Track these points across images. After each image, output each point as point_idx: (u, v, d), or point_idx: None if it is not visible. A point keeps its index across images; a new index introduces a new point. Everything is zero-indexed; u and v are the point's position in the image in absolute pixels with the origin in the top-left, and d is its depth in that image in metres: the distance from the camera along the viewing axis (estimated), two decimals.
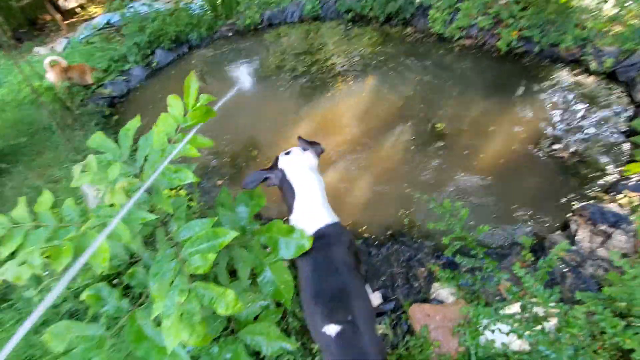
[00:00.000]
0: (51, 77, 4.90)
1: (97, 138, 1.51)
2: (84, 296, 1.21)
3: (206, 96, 1.50)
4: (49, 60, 4.87)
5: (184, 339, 1.03)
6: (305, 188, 1.61)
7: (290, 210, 1.63)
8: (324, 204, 1.60)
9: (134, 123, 1.52)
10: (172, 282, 1.14)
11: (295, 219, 1.58)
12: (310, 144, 1.79)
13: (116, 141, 1.55)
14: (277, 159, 1.75)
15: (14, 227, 1.04)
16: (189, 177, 1.25)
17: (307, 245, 1.35)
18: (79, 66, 5.32)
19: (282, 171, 1.67)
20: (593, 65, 3.77)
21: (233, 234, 1.16)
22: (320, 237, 1.46)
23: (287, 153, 1.74)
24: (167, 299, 1.10)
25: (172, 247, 1.23)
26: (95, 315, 1.74)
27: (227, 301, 1.10)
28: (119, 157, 1.46)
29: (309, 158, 1.73)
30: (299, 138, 1.83)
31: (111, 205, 1.11)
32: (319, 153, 1.80)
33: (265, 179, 1.69)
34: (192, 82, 1.42)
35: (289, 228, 1.42)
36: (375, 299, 2.13)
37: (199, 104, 1.47)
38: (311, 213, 1.55)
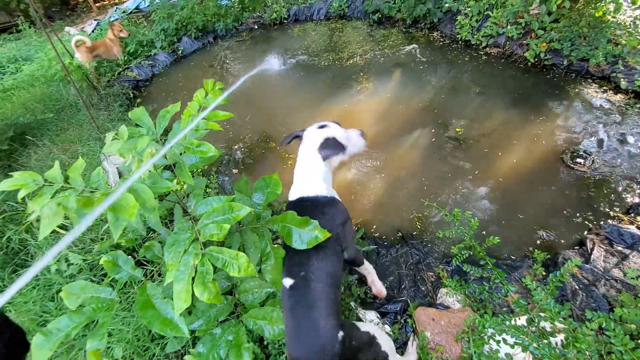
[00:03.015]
0: (80, 56, 5.05)
1: (138, 111, 1.61)
2: (102, 261, 1.27)
3: (219, 84, 1.68)
4: (75, 40, 5.03)
5: (198, 295, 1.08)
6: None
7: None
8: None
9: (175, 107, 1.63)
10: (186, 250, 1.18)
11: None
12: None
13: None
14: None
15: (45, 185, 1.11)
16: (212, 150, 1.32)
17: (321, 237, 1.37)
18: (102, 42, 5.45)
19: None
20: (623, 83, 3.68)
21: (247, 208, 1.21)
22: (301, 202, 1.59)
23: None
24: (181, 264, 1.14)
25: (189, 220, 1.27)
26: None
27: (239, 264, 1.14)
28: (152, 134, 1.53)
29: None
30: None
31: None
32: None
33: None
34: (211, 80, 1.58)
35: (303, 219, 1.44)
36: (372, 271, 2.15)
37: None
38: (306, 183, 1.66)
